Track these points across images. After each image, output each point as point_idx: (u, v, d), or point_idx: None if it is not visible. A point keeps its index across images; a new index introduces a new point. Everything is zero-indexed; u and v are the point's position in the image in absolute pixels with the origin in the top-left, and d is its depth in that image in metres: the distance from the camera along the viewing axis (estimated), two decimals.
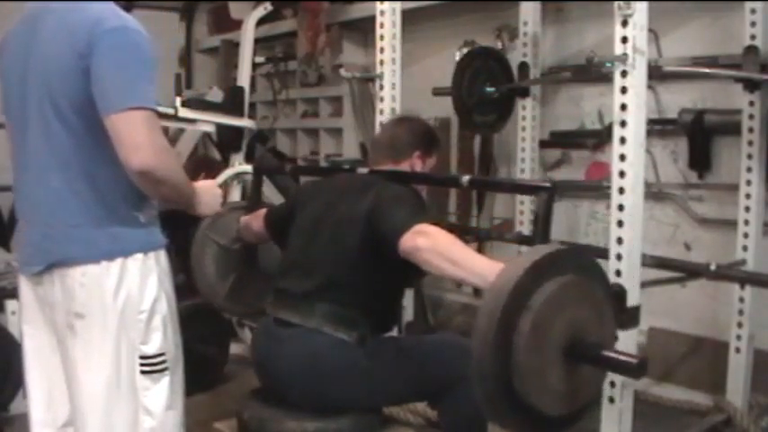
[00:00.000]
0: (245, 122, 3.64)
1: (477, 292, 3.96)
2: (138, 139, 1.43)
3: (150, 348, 1.57)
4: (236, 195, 3.57)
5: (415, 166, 2.13)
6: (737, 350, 2.66)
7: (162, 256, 1.63)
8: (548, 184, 1.79)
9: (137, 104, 1.44)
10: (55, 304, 1.56)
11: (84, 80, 1.45)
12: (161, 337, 1.59)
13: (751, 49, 2.57)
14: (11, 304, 2.81)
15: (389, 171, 2.10)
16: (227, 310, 2.88)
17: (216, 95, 3.76)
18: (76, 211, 1.53)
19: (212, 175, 3.50)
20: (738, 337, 2.66)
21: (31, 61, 1.53)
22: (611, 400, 2.04)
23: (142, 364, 1.56)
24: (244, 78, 3.73)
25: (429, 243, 1.64)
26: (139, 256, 1.56)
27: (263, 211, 2.29)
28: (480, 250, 3.92)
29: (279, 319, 1.93)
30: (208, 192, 1.80)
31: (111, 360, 1.53)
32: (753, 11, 2.57)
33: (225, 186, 3.56)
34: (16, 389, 2.76)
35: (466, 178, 2.07)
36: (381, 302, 1.97)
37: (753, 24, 2.56)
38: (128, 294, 1.54)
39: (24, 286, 1.65)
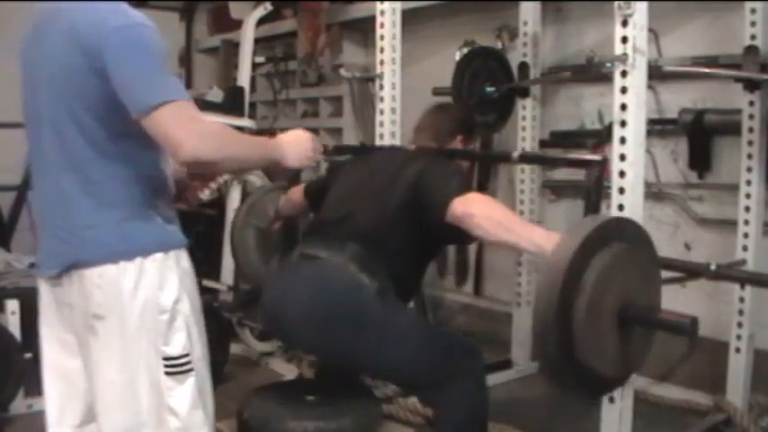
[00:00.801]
0: (245, 122, 3.64)
1: (476, 292, 3.97)
2: (174, 136, 1.40)
3: (173, 349, 1.53)
4: (236, 196, 3.57)
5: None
6: (737, 350, 2.66)
7: (182, 255, 1.59)
8: (599, 158, 1.92)
9: (162, 100, 1.40)
10: (73, 306, 1.54)
11: (98, 80, 1.43)
12: (184, 337, 1.55)
13: (751, 49, 2.57)
14: (11, 304, 2.81)
15: (437, 148, 2.16)
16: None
17: (216, 95, 3.76)
18: (91, 213, 1.50)
19: (212, 174, 3.50)
20: (738, 337, 2.66)
21: (42, 63, 1.52)
22: (611, 399, 2.04)
23: (166, 365, 1.53)
24: (244, 78, 3.73)
25: (483, 209, 1.70)
26: (158, 255, 1.52)
27: (303, 184, 2.34)
28: (480, 250, 3.93)
29: (306, 253, 1.94)
30: (294, 142, 1.71)
31: (132, 361, 1.50)
32: (753, 11, 2.57)
33: (224, 185, 3.56)
34: (16, 389, 2.76)
35: (516, 153, 2.17)
36: (404, 270, 1.98)
37: (753, 24, 2.56)
38: (146, 295, 1.50)
39: (43, 289, 1.62)
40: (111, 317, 1.49)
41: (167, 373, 1.52)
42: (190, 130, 1.41)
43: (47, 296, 1.61)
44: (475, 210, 1.70)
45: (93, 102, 1.46)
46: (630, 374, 1.58)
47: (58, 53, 1.48)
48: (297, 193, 2.35)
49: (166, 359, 1.52)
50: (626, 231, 1.54)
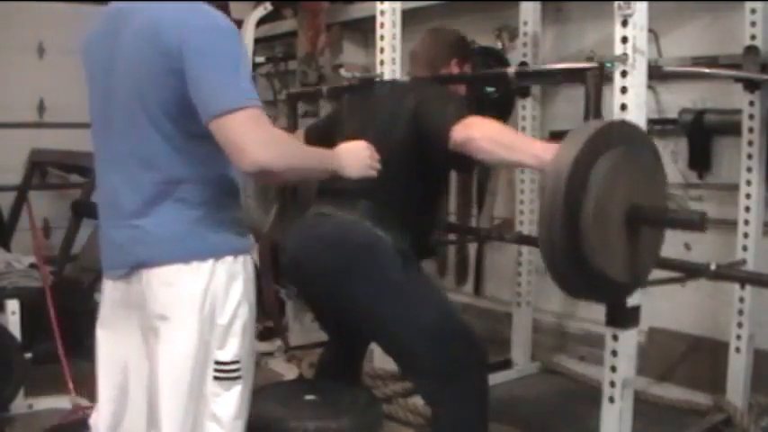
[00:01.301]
0: None
1: (476, 291, 3.97)
2: (239, 143, 1.38)
3: (226, 354, 1.51)
4: None
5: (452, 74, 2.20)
6: (737, 350, 2.66)
7: (249, 260, 1.58)
8: (594, 64, 1.91)
9: (235, 105, 1.38)
10: (141, 306, 1.52)
11: (174, 81, 1.42)
12: (238, 343, 1.53)
13: (751, 49, 2.57)
14: (11, 304, 2.81)
15: (430, 76, 2.15)
16: (272, 240, 2.96)
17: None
18: (165, 213, 1.49)
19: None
20: (738, 337, 2.66)
21: (117, 62, 1.49)
22: (611, 399, 2.05)
23: (216, 370, 1.51)
24: None
25: (482, 132, 1.71)
26: (229, 258, 1.52)
27: (302, 130, 2.34)
28: (480, 250, 3.93)
29: (320, 212, 1.98)
30: (353, 152, 1.73)
31: (191, 364, 1.48)
32: (753, 11, 2.57)
33: None
34: (17, 389, 2.76)
35: (512, 70, 2.18)
36: (419, 209, 2.00)
37: (753, 24, 2.56)
38: (214, 297, 1.49)
39: (109, 288, 1.60)
40: (175, 317, 1.47)
41: (216, 378, 1.51)
42: (255, 139, 1.39)
43: (112, 297, 1.59)
44: (474, 133, 1.71)
45: (169, 102, 1.44)
46: (641, 280, 1.55)
47: (135, 52, 1.45)
48: (298, 138, 2.33)
49: (217, 363, 1.51)
50: (629, 134, 1.52)
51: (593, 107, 1.88)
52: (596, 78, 1.88)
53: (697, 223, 1.46)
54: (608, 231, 1.40)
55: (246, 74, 1.45)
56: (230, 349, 1.52)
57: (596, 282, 1.43)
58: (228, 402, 1.52)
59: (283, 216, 2.50)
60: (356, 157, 1.73)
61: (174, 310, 1.48)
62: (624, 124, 1.64)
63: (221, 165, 1.52)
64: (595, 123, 1.50)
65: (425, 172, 1.94)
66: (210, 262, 1.49)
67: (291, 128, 2.65)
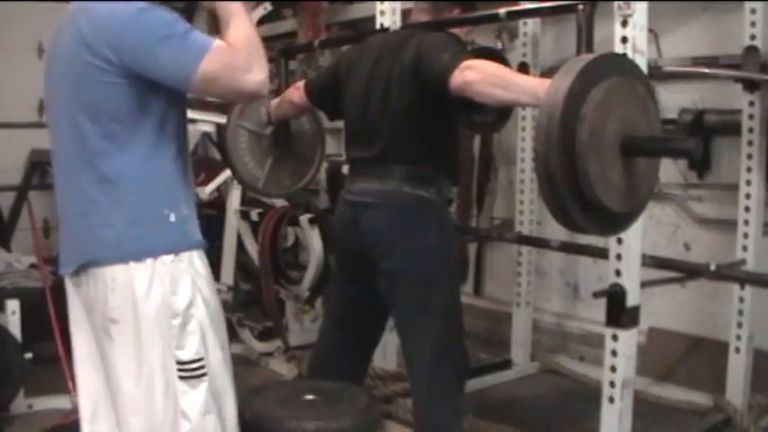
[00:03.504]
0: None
1: (476, 291, 3.97)
2: (232, 77, 1.43)
3: (186, 354, 1.51)
4: (236, 196, 3.57)
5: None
6: (737, 350, 2.66)
7: (196, 257, 1.56)
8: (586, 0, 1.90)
9: (200, 55, 1.40)
10: (92, 307, 1.54)
11: (109, 78, 1.44)
12: (197, 342, 1.52)
13: (751, 49, 2.57)
14: (11, 304, 2.81)
15: (424, 22, 2.16)
16: (268, 195, 2.98)
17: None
18: (105, 211, 1.49)
19: (212, 174, 3.50)
20: (738, 337, 2.66)
21: (57, 63, 1.52)
22: (611, 399, 2.05)
23: (179, 369, 1.51)
24: None
25: (478, 75, 1.73)
26: (169, 257, 1.50)
27: (302, 83, 2.34)
28: (480, 250, 3.93)
29: (361, 187, 2.06)
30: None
31: (147, 365, 1.49)
32: (753, 11, 2.57)
33: (224, 186, 3.56)
34: (17, 389, 2.76)
35: (503, 11, 2.18)
36: (445, 153, 2.06)
37: (753, 24, 2.56)
38: (160, 298, 1.49)
39: (69, 288, 1.61)
40: (124, 321, 1.48)
41: (181, 378, 1.51)
42: (243, 63, 1.43)
43: (72, 295, 1.61)
44: (470, 77, 1.73)
45: (106, 100, 1.45)
46: (638, 210, 1.57)
47: (68, 53, 1.48)
48: (296, 93, 2.32)
49: (180, 363, 1.51)
50: (621, 65, 1.54)
51: (585, 41, 1.88)
52: (588, 13, 1.88)
53: (691, 150, 1.47)
54: (603, 162, 1.42)
55: (188, 29, 1.44)
56: (190, 348, 1.52)
57: (594, 212, 1.45)
58: (195, 399, 1.52)
59: (278, 170, 2.49)
60: None
61: (122, 314, 1.48)
62: (616, 56, 1.66)
63: (165, 161, 1.53)
64: (588, 56, 1.51)
65: (439, 119, 1.99)
66: (149, 262, 1.48)
67: (284, 85, 2.65)
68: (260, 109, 2.42)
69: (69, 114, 1.49)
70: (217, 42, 1.43)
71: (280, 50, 2.92)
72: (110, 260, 1.48)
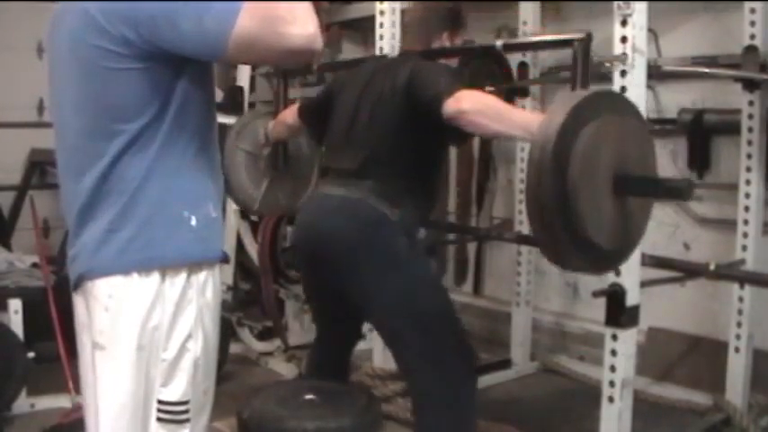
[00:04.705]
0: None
1: (476, 291, 3.97)
2: (274, 31, 1.16)
3: (171, 394, 1.32)
4: None
5: (444, 46, 2.20)
6: (737, 350, 2.66)
7: (210, 278, 1.36)
8: (582, 35, 1.91)
9: (234, 12, 1.17)
10: (84, 327, 1.36)
11: (119, 64, 1.24)
12: (186, 380, 1.33)
13: (750, 49, 2.57)
14: (13, 303, 2.81)
15: (421, 51, 2.16)
16: (264, 214, 2.99)
17: (215, 95, 3.75)
18: (113, 213, 1.29)
19: None
20: (738, 337, 2.66)
21: (59, 57, 1.34)
22: (611, 399, 2.05)
23: (160, 410, 1.32)
24: (243, 78, 3.73)
25: (472, 105, 1.73)
26: (182, 271, 1.31)
27: (296, 105, 2.35)
28: (479, 250, 3.93)
29: (324, 193, 2.02)
30: None
31: (128, 401, 1.30)
32: (752, 11, 2.57)
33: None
34: (19, 388, 2.76)
35: (500, 43, 2.19)
36: (422, 181, 2.03)
37: (752, 24, 2.57)
38: (157, 325, 1.30)
39: (74, 302, 1.41)
40: (111, 348, 1.30)
41: (160, 419, 1.32)
42: (286, 14, 1.16)
43: (75, 309, 1.41)
44: (464, 107, 1.73)
45: (118, 89, 1.27)
46: (630, 248, 1.56)
47: (75, 42, 1.29)
48: (290, 114, 2.35)
49: (161, 403, 1.32)
50: (616, 103, 1.53)
51: (581, 77, 1.88)
52: (584, 48, 1.88)
53: (683, 191, 1.46)
54: (595, 199, 1.41)
55: None
56: (177, 388, 1.32)
57: (584, 250, 1.43)
58: None
59: (274, 190, 2.51)
60: None
61: (110, 339, 1.29)
62: (611, 94, 1.66)
63: (186, 156, 1.33)
64: (582, 92, 1.50)
65: (424, 143, 1.97)
66: (155, 277, 1.29)
67: (282, 104, 2.65)
68: (258, 129, 2.45)
69: (77, 107, 1.31)
70: (247, 3, 1.18)
71: (278, 72, 2.93)
72: (111, 271, 1.29)
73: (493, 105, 1.73)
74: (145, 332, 1.29)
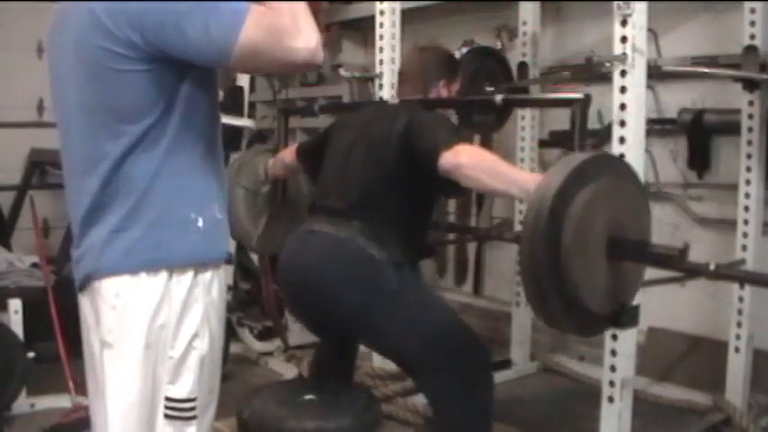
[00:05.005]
0: (244, 122, 3.64)
1: (476, 291, 3.97)
2: (278, 43, 1.18)
3: (179, 391, 1.34)
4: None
5: (441, 94, 2.20)
6: (737, 350, 2.67)
7: (216, 277, 1.38)
8: (581, 96, 1.90)
9: (240, 18, 1.17)
10: (91, 326, 1.37)
11: (125, 64, 1.25)
12: (193, 379, 1.34)
13: (750, 49, 2.57)
14: (13, 303, 2.81)
15: (420, 99, 2.16)
16: (262, 251, 3.00)
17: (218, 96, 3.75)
18: (121, 215, 1.30)
19: None
20: (738, 337, 2.66)
21: (63, 57, 1.34)
22: (611, 399, 2.05)
23: (168, 407, 1.33)
24: (243, 78, 3.73)
25: (470, 160, 1.72)
26: (188, 271, 1.32)
27: (295, 145, 2.35)
28: (479, 250, 3.93)
29: (312, 230, 1.98)
30: None
31: (136, 399, 1.32)
32: (752, 11, 2.57)
33: None
34: (19, 388, 2.76)
35: (500, 97, 2.17)
36: (411, 229, 2.00)
37: (752, 24, 2.57)
38: (165, 323, 1.31)
39: (79, 302, 1.42)
40: (119, 345, 1.31)
41: (167, 416, 1.34)
42: (290, 26, 1.19)
43: (81, 309, 1.42)
44: (461, 160, 1.72)
45: (123, 91, 1.27)
46: (621, 313, 1.57)
47: (80, 43, 1.29)
48: (289, 154, 2.36)
49: (169, 400, 1.34)
50: (614, 166, 1.54)
51: (579, 138, 1.88)
52: (582, 109, 1.87)
53: (675, 260, 1.47)
54: (589, 263, 1.42)
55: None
56: (184, 385, 1.34)
57: (576, 313, 1.44)
58: None
59: (272, 227, 2.51)
60: None
61: (117, 337, 1.31)
62: (609, 157, 1.66)
63: (192, 156, 1.34)
64: (580, 156, 1.50)
65: (416, 191, 1.94)
66: (163, 276, 1.30)
67: (282, 142, 2.67)
68: (258, 166, 2.47)
69: (81, 108, 1.32)
70: (254, 5, 1.20)
71: (279, 110, 2.94)
72: (119, 270, 1.30)
73: (491, 162, 1.72)
74: (152, 330, 1.31)
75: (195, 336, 1.34)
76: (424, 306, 1.93)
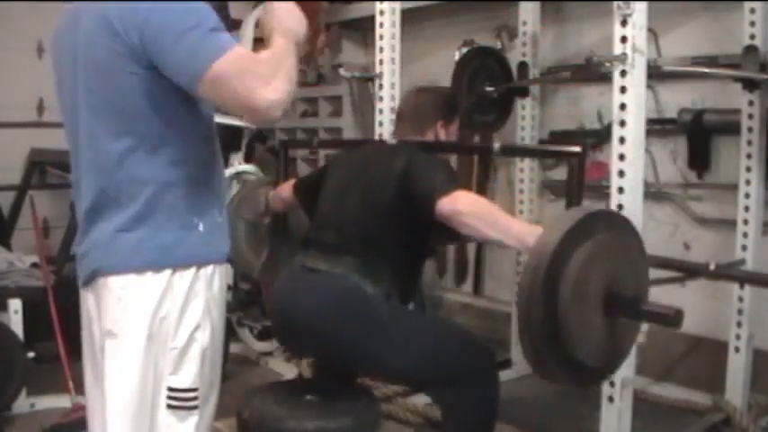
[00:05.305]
0: (244, 122, 3.64)
1: (476, 291, 3.97)
2: (243, 85, 1.25)
3: (181, 381, 1.38)
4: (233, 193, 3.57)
5: (439, 136, 2.18)
6: (737, 350, 2.67)
7: (217, 273, 1.44)
8: (577, 149, 1.89)
9: (219, 54, 1.24)
10: (97, 317, 1.42)
11: (133, 70, 1.31)
12: (195, 369, 1.39)
13: (750, 49, 2.57)
14: (13, 303, 2.81)
15: (419, 141, 2.15)
16: (264, 282, 3.02)
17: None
18: (126, 217, 1.37)
19: None
20: (738, 337, 2.66)
21: (78, 61, 1.39)
22: (611, 399, 2.05)
23: (170, 397, 1.38)
24: None
25: (468, 207, 1.71)
26: (190, 270, 1.38)
27: (293, 180, 2.36)
28: (479, 250, 3.93)
29: (306, 266, 1.96)
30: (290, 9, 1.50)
31: (138, 388, 1.36)
32: (752, 11, 2.57)
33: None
34: (19, 388, 2.76)
35: (497, 145, 2.19)
36: (405, 266, 2.00)
37: (752, 24, 2.57)
38: (166, 315, 1.36)
39: (81, 298, 1.49)
40: (123, 336, 1.36)
41: (170, 407, 1.38)
42: (263, 73, 1.26)
43: (82, 305, 1.49)
44: (460, 207, 1.72)
45: (132, 94, 1.33)
46: (617, 363, 1.59)
47: (92, 45, 1.35)
48: (286, 189, 2.38)
49: (171, 390, 1.38)
50: (611, 222, 1.55)
51: (576, 191, 1.88)
52: (579, 162, 1.87)
53: (672, 320, 1.47)
54: (585, 320, 1.43)
55: (221, 28, 1.31)
56: (186, 375, 1.39)
57: (572, 368, 1.46)
58: None
59: (274, 258, 2.53)
60: (295, 17, 1.52)
61: (121, 327, 1.36)
62: (607, 213, 1.64)
63: (194, 163, 1.41)
64: (578, 212, 1.50)
65: (412, 230, 1.93)
66: (166, 273, 1.36)
67: (282, 176, 2.66)
68: (259, 198, 2.51)
69: (88, 106, 1.38)
70: (241, 47, 1.29)
71: (280, 141, 2.98)
72: (125, 269, 1.36)
73: (488, 210, 1.72)
74: (154, 322, 1.36)
75: (197, 327, 1.40)
76: (416, 328, 1.94)
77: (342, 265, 1.89)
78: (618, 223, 1.57)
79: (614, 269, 1.48)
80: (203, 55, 1.26)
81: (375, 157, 2.07)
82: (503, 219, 1.70)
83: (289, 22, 1.46)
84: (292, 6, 1.52)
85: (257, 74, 1.26)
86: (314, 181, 2.23)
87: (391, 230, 1.93)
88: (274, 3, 1.47)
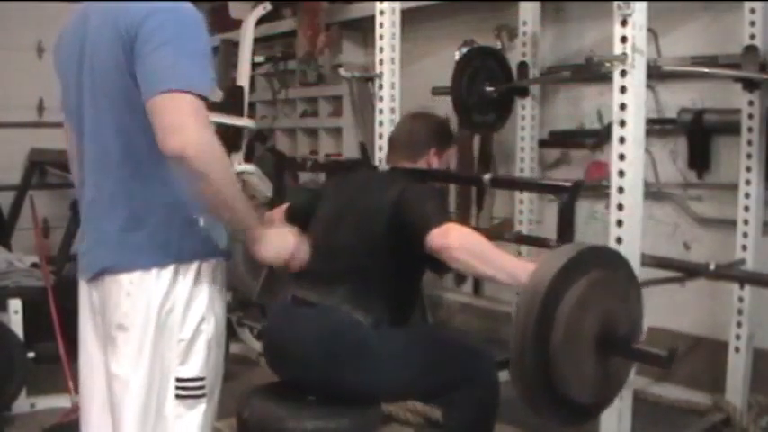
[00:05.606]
0: (244, 122, 3.64)
1: (476, 291, 3.97)
2: (177, 120, 1.27)
3: (189, 371, 1.44)
4: None
5: (432, 163, 2.17)
6: (737, 350, 2.67)
7: (219, 268, 1.51)
8: (569, 184, 1.88)
9: (181, 87, 1.28)
10: (103, 311, 1.47)
11: (134, 75, 1.35)
12: (202, 359, 1.46)
13: (750, 49, 2.57)
14: (13, 303, 2.81)
15: (412, 169, 2.14)
16: (263, 303, 3.00)
17: (215, 95, 3.75)
18: (130, 215, 1.43)
19: None
20: (738, 337, 2.66)
21: (84, 60, 1.44)
22: None
23: (178, 387, 1.44)
24: (243, 78, 3.73)
25: (459, 241, 1.69)
26: (193, 265, 1.44)
27: (285, 206, 2.34)
28: None
29: (297, 297, 1.96)
30: (279, 234, 1.61)
31: (147, 379, 1.42)
32: (752, 11, 2.57)
33: None
34: (19, 388, 2.77)
35: (487, 177, 2.19)
36: (398, 295, 1.98)
37: (752, 24, 2.57)
38: (173, 308, 1.43)
39: (82, 291, 1.55)
40: (133, 328, 1.42)
41: (178, 396, 1.44)
42: (195, 125, 1.29)
43: (84, 302, 1.55)
44: (451, 242, 1.69)
45: (132, 96, 1.36)
46: (610, 400, 1.60)
47: (97, 50, 1.40)
48: (279, 214, 2.32)
49: (179, 380, 1.44)
50: (603, 258, 1.53)
51: (567, 225, 1.87)
52: (570, 197, 1.86)
53: (664, 362, 1.47)
54: (577, 359, 1.43)
55: (204, 64, 1.36)
56: (193, 365, 1.45)
57: (565, 407, 1.47)
58: (191, 424, 1.45)
59: (272, 280, 2.53)
60: (280, 241, 1.60)
61: (132, 320, 1.41)
62: (599, 249, 1.61)
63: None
64: (570, 250, 1.48)
65: (404, 259, 1.92)
66: (172, 268, 1.42)
67: (278, 197, 2.64)
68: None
69: (96, 112, 1.42)
70: (201, 98, 1.33)
71: (274, 164, 2.99)
72: (133, 266, 1.42)
73: (480, 246, 1.69)
74: (161, 315, 1.42)
75: (202, 320, 1.46)
76: (411, 344, 1.93)
77: (333, 297, 1.88)
78: (610, 259, 1.56)
79: (607, 307, 1.47)
80: (169, 79, 1.29)
81: (368, 187, 2.07)
82: (494, 254, 1.67)
83: (271, 237, 1.56)
84: (284, 233, 1.63)
85: (194, 126, 1.29)
86: (306, 207, 2.21)
87: (384, 259, 1.91)
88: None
